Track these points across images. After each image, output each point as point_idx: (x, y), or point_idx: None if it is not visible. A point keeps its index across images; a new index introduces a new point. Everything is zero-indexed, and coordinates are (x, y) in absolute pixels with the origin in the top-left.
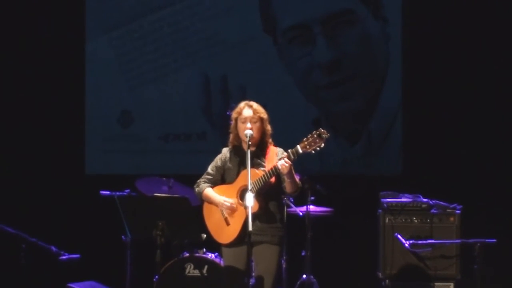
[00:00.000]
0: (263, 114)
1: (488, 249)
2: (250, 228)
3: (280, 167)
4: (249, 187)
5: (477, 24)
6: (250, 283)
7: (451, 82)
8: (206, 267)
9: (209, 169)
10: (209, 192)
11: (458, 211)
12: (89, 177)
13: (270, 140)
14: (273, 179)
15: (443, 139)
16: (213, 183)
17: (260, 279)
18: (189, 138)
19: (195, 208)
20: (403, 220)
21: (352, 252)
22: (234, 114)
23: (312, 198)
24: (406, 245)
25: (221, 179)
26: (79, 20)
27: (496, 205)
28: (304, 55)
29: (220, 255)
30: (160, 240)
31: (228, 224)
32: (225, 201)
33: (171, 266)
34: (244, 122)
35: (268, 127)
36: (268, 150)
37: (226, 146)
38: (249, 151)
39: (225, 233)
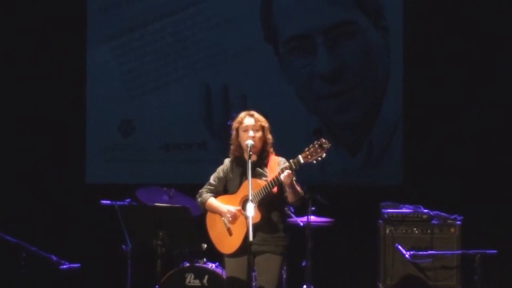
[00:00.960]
0: (264, 123)
1: (488, 260)
2: (251, 238)
3: (282, 178)
4: (250, 197)
5: (479, 35)
6: None
7: (452, 93)
8: (206, 277)
9: (211, 180)
10: (213, 201)
11: (458, 222)
12: (90, 186)
13: (272, 149)
14: (275, 189)
15: (444, 150)
16: (215, 194)
17: None
18: (190, 147)
19: (195, 218)
20: (404, 230)
21: (353, 263)
22: (235, 124)
23: (313, 208)
24: (407, 255)
25: (224, 189)
26: (81, 29)
27: (496, 216)
28: (305, 65)
29: (222, 265)
30: (161, 250)
31: (230, 234)
32: (229, 210)
33: (171, 276)
34: (246, 130)
35: (269, 136)
36: (269, 159)
37: (227, 156)
38: (250, 161)
39: (228, 243)
